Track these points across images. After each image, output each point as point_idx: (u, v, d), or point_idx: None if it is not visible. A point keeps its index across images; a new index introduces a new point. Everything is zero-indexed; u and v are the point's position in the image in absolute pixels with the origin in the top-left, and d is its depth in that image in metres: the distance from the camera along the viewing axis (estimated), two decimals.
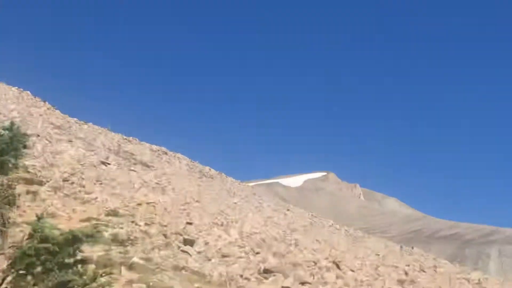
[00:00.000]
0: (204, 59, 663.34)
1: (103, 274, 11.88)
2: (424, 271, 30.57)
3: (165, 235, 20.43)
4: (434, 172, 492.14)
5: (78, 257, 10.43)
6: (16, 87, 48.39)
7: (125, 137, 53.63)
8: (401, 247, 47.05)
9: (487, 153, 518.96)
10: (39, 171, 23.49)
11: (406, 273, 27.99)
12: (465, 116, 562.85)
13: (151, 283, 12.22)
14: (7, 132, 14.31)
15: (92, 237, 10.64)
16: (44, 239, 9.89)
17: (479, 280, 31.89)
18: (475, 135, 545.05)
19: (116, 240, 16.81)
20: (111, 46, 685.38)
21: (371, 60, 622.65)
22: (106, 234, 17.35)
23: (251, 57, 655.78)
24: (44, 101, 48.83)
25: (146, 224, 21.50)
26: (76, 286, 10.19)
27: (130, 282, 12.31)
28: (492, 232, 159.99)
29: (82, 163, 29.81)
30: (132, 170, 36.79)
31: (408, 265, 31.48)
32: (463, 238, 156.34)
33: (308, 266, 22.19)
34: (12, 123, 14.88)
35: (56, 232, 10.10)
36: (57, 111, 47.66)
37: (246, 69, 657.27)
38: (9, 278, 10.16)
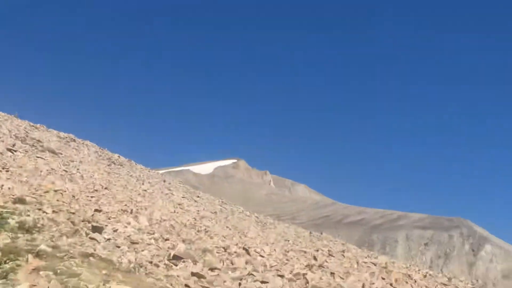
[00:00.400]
0: (108, 47, 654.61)
1: (8, 261, 11.77)
2: (332, 256, 31.12)
3: (73, 223, 20.23)
4: (342, 159, 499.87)
5: None
6: None
7: (32, 124, 52.58)
8: (310, 233, 47.65)
9: (392, 139, 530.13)
10: None
11: (315, 258, 28.47)
12: (373, 102, 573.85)
13: (58, 270, 12.13)
14: None
15: None
16: None
17: (386, 264, 32.63)
18: (380, 122, 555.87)
19: (22, 227, 16.58)
20: (19, 30, 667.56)
21: (281, 51, 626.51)
22: (12, 222, 17.10)
23: (149, 47, 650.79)
24: None
25: (53, 211, 21.22)
26: None
27: (37, 269, 12.19)
28: (400, 217, 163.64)
29: None
30: (39, 157, 36.16)
31: (317, 250, 32.00)
32: (370, 224, 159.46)
33: (217, 252, 22.36)
34: None
35: None
36: None
37: (158, 57, 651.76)
38: None
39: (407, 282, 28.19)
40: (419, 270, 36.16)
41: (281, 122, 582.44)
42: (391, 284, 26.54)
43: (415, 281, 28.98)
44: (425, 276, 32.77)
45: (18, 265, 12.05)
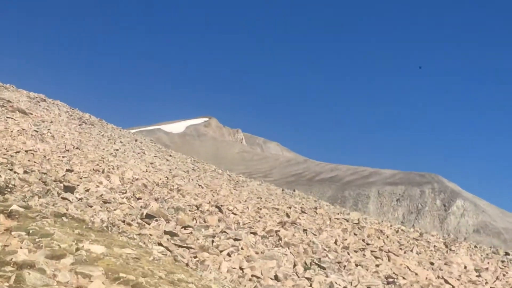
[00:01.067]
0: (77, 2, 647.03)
1: None
2: (305, 213, 31.32)
3: (45, 183, 20.15)
4: (314, 116, 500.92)
5: None
6: None
7: (1, 84, 52.00)
8: (282, 190, 47.89)
9: (364, 96, 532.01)
10: None
11: (287, 215, 28.65)
12: (343, 59, 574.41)
13: (30, 231, 12.08)
14: None
15: None
16: None
17: (358, 220, 32.93)
18: (352, 78, 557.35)
19: None
20: None
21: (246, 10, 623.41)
22: None
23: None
24: None
25: (25, 172, 21.12)
26: None
27: (9, 229, 12.14)
28: (371, 174, 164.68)
29: None
30: (10, 117, 35.84)
31: (290, 207, 32.18)
32: (343, 180, 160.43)
33: (190, 211, 22.42)
34: None
35: None
36: None
37: (127, 18, 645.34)
38: None
39: (379, 238, 28.51)
40: (391, 225, 36.56)
41: (253, 80, 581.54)
42: (363, 240, 26.84)
43: (387, 237, 29.33)
44: (397, 231, 33.16)
45: None
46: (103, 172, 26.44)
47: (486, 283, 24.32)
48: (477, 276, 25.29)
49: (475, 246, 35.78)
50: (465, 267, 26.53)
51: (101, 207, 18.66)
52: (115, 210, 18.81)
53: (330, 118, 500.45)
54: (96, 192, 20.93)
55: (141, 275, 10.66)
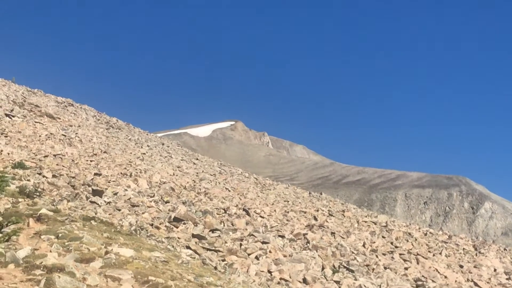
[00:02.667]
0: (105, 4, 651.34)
1: (8, 224, 11.76)
2: (332, 216, 31.22)
3: (73, 186, 20.29)
4: (340, 119, 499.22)
5: None
6: None
7: (29, 89, 52.45)
8: (309, 193, 47.72)
9: (390, 99, 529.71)
10: None
11: (315, 218, 28.56)
12: (371, 62, 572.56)
13: (60, 234, 12.14)
14: None
15: None
16: None
17: (386, 223, 32.76)
18: (379, 82, 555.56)
19: (23, 192, 16.59)
20: None
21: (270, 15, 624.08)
22: (12, 187, 17.10)
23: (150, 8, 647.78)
24: None
25: (53, 176, 21.28)
26: None
27: (38, 233, 12.22)
28: (398, 177, 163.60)
29: None
30: (38, 122, 36.14)
31: (317, 210, 32.08)
32: (369, 183, 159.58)
33: (218, 214, 22.44)
34: None
35: None
36: None
37: (156, 18, 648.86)
38: None
39: (407, 240, 28.33)
40: (419, 228, 36.31)
41: (279, 83, 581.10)
42: (391, 243, 26.68)
43: (416, 239, 29.13)
44: (425, 234, 32.91)
45: (20, 229, 12.06)
46: (130, 175, 26.55)
47: None
48: (507, 279, 25.03)
49: (505, 249, 35.42)
50: (495, 270, 26.28)
51: (129, 211, 18.73)
52: (143, 213, 18.86)
53: (356, 120, 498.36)
54: (124, 195, 21.00)
55: (170, 278, 10.66)
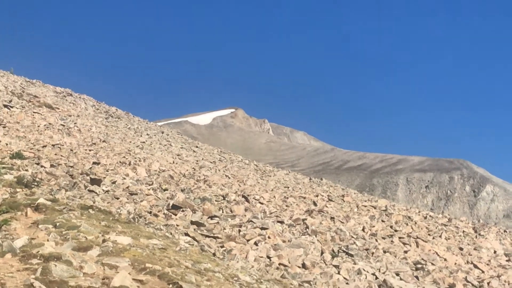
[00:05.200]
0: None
1: (5, 213, 11.80)
2: (332, 201, 31.24)
3: (71, 176, 20.29)
4: (340, 104, 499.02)
5: None
6: None
7: (28, 79, 52.39)
8: (310, 179, 47.72)
9: (389, 84, 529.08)
10: None
11: (314, 203, 28.61)
12: (370, 48, 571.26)
13: (57, 223, 12.16)
14: None
15: None
16: None
17: (386, 207, 32.79)
18: (378, 67, 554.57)
19: (21, 182, 16.60)
20: None
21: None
22: (10, 177, 17.12)
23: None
24: None
25: (52, 165, 21.29)
26: None
27: (36, 223, 12.23)
28: (400, 161, 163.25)
29: None
30: (37, 112, 36.13)
31: (317, 196, 32.11)
32: (371, 168, 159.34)
33: (216, 201, 22.47)
34: None
35: None
36: None
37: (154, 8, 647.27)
38: None
39: (407, 224, 28.36)
40: (419, 212, 36.33)
41: (278, 70, 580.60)
42: (391, 226, 26.72)
43: (415, 223, 29.15)
44: (425, 218, 32.95)
45: (12, 218, 12.09)
46: (129, 164, 26.57)
47: None
48: (507, 260, 25.09)
49: (505, 231, 35.46)
50: (495, 252, 26.33)
51: (127, 199, 18.76)
52: (141, 201, 18.89)
53: (356, 106, 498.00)
54: (122, 184, 21.03)
55: (168, 265, 10.68)
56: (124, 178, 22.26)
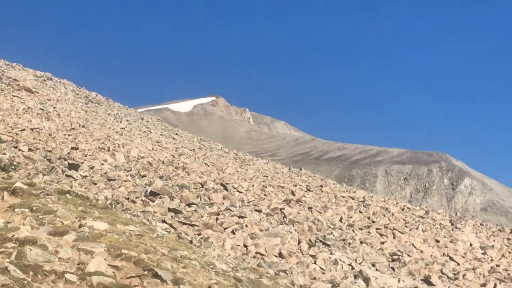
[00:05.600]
0: None
1: None
2: (310, 191, 31.33)
3: (49, 160, 20.19)
4: (321, 95, 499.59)
5: None
6: None
7: (8, 63, 51.94)
8: (289, 168, 47.81)
9: (370, 76, 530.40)
10: None
11: (293, 193, 28.67)
12: (353, 38, 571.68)
13: (34, 208, 12.09)
14: None
15: None
16: None
17: (364, 198, 32.92)
18: (359, 58, 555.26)
19: None
20: None
21: None
22: None
23: None
24: None
25: (30, 149, 21.16)
26: None
27: (12, 206, 12.16)
28: (379, 153, 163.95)
29: None
30: (16, 96, 35.87)
31: (295, 185, 32.18)
32: (350, 159, 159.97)
33: (195, 188, 22.45)
34: None
35: None
36: None
37: None
38: None
39: (384, 215, 28.49)
40: (396, 203, 36.52)
41: (260, 59, 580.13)
42: (368, 218, 26.83)
43: (393, 214, 29.30)
44: (402, 209, 33.12)
45: None
46: (108, 150, 26.47)
47: (492, 260, 24.30)
48: (482, 253, 25.28)
49: (481, 224, 35.73)
50: (471, 245, 26.53)
51: (105, 185, 18.70)
52: (119, 187, 18.84)
53: (337, 96, 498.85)
54: (100, 169, 20.96)
55: (144, 251, 10.66)
56: (103, 164, 22.18)
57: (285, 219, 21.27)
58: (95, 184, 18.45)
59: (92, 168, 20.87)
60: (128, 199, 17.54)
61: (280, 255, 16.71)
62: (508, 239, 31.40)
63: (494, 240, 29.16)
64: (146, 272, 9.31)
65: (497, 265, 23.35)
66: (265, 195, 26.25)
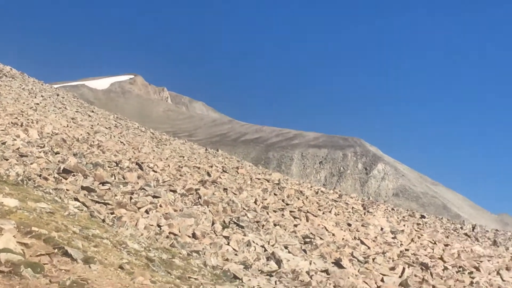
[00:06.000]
0: None
1: None
2: (226, 172, 31.38)
3: None
4: (239, 76, 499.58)
5: None
6: None
7: None
8: (206, 149, 47.78)
9: (288, 58, 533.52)
10: None
11: (208, 174, 28.66)
12: (255, 21, 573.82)
13: None
14: None
15: None
16: None
17: (279, 180, 33.19)
18: (279, 41, 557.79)
19: None
20: None
21: None
22: None
23: None
24: None
25: None
26: None
27: None
28: (296, 136, 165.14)
29: None
30: None
31: (211, 166, 32.18)
32: (267, 142, 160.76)
33: (109, 167, 22.20)
34: None
35: None
36: None
37: None
38: None
39: (299, 198, 28.79)
40: (311, 187, 36.96)
41: (179, 38, 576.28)
42: (283, 200, 27.06)
43: (307, 197, 29.63)
44: (316, 193, 33.55)
45: None
46: (21, 125, 25.91)
47: (401, 244, 24.86)
48: (392, 237, 25.83)
49: (392, 209, 36.53)
50: (382, 229, 27.07)
51: (17, 161, 18.31)
52: (31, 164, 18.48)
53: (255, 78, 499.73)
54: (12, 145, 20.51)
55: (54, 229, 10.51)
56: (15, 140, 21.71)
57: (200, 200, 21.25)
58: (7, 159, 18.05)
59: (4, 143, 20.42)
60: (40, 176, 17.22)
61: (194, 235, 16.71)
62: (418, 224, 32.24)
63: (404, 225, 29.87)
64: (56, 250, 9.20)
65: (406, 250, 23.90)
66: (180, 175, 26.16)
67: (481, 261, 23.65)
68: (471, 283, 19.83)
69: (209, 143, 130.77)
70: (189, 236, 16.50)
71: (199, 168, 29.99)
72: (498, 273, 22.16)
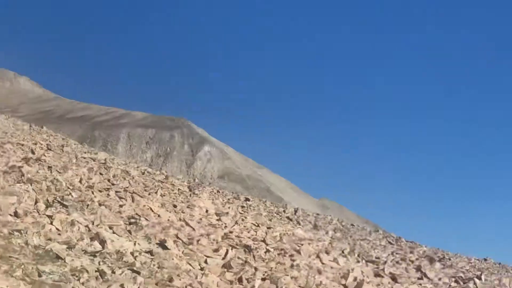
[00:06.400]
0: None
1: None
2: (51, 150, 30.73)
3: None
4: (66, 51, 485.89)
5: None
6: None
7: None
8: (30, 126, 46.45)
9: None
10: None
11: (32, 151, 27.98)
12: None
13: None
14: None
15: None
16: None
17: (105, 160, 32.92)
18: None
19: None
20: None
21: None
22: None
23: None
24: None
25: None
26: None
27: None
28: (123, 115, 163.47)
29: None
30: None
31: (35, 144, 31.42)
32: (94, 120, 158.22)
33: None
34: None
35: None
36: None
37: None
38: None
39: (125, 178, 28.70)
40: (137, 167, 36.96)
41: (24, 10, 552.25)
42: (108, 180, 26.86)
43: (133, 178, 29.60)
44: (143, 173, 33.58)
45: None
46: None
47: (226, 226, 25.35)
48: (217, 220, 26.29)
49: (218, 191, 37.22)
50: (207, 211, 27.48)
51: None
52: None
53: (82, 52, 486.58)
54: None
55: None
56: None
57: (23, 177, 20.74)
58: None
59: None
60: None
61: (16, 214, 16.34)
62: (242, 206, 33.07)
63: (229, 207, 30.49)
64: None
65: (230, 232, 24.39)
66: (3, 152, 25.39)
67: (302, 244, 24.56)
68: (292, 265, 20.56)
69: (33, 119, 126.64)
70: (11, 215, 16.11)
71: (22, 145, 29.21)
72: (317, 256, 23.09)
